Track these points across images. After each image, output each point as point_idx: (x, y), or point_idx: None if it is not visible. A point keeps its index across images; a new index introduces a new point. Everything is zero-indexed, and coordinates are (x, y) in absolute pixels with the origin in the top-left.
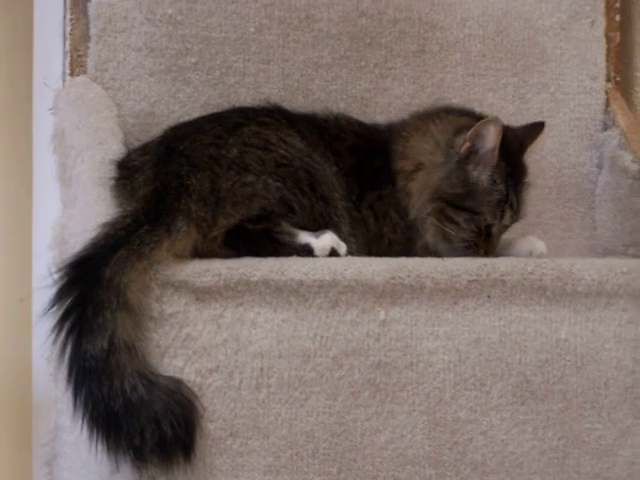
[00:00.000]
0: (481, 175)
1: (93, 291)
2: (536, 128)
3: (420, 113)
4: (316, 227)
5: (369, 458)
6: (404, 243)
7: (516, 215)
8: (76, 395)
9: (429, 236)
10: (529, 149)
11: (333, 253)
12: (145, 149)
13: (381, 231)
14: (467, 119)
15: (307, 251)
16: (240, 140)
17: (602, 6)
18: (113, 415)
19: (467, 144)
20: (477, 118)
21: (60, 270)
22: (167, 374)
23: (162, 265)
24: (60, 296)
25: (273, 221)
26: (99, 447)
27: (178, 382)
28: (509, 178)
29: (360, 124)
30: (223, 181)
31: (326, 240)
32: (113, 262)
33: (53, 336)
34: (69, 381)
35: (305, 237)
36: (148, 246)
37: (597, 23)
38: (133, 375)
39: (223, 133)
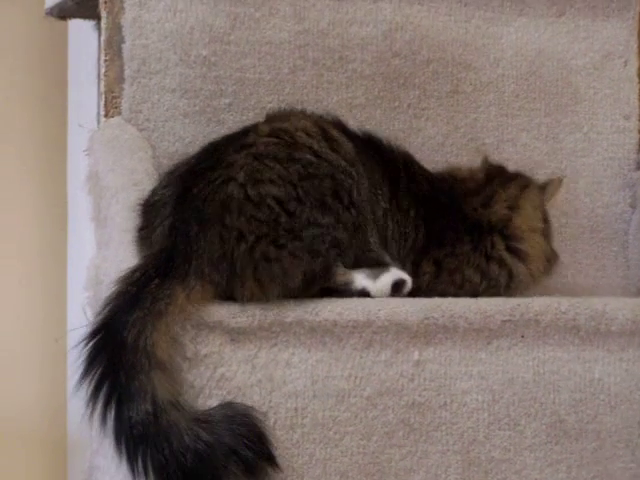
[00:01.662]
0: None
1: (121, 357)
2: None
3: (492, 175)
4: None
5: None
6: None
7: None
8: (132, 463)
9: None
10: None
11: (396, 287)
12: (170, 178)
13: (435, 287)
14: (529, 178)
15: (365, 294)
16: (252, 154)
17: (635, 46)
18: (189, 470)
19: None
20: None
21: (83, 340)
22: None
23: (184, 315)
24: (89, 368)
25: (324, 280)
26: None
27: (229, 405)
28: None
29: (424, 169)
30: (233, 240)
31: (384, 281)
32: (131, 325)
33: (90, 409)
34: (120, 451)
35: (361, 281)
36: (162, 302)
37: (630, 63)
38: (190, 427)
39: (234, 153)
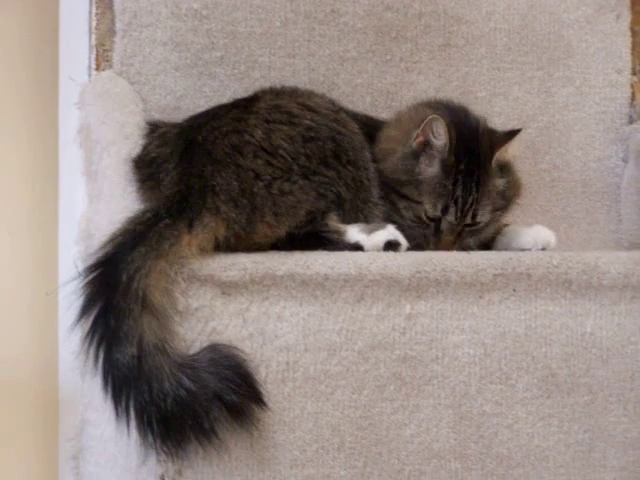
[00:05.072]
0: (428, 168)
1: (113, 299)
2: (511, 134)
3: (409, 105)
4: (362, 202)
5: (395, 452)
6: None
7: (464, 215)
8: (117, 404)
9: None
10: (500, 154)
11: (390, 247)
12: (164, 139)
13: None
14: (432, 112)
15: (358, 248)
16: (262, 118)
17: (627, 0)
18: (169, 415)
19: (420, 138)
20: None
21: (81, 273)
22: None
23: (184, 260)
24: (84, 308)
25: (319, 221)
26: (161, 448)
27: (215, 347)
28: (462, 177)
29: (365, 115)
30: (251, 179)
31: (379, 237)
32: (130, 261)
33: (85, 348)
34: (106, 391)
35: (354, 234)
36: (167, 241)
37: (622, 16)
38: (172, 372)
39: (241, 114)
